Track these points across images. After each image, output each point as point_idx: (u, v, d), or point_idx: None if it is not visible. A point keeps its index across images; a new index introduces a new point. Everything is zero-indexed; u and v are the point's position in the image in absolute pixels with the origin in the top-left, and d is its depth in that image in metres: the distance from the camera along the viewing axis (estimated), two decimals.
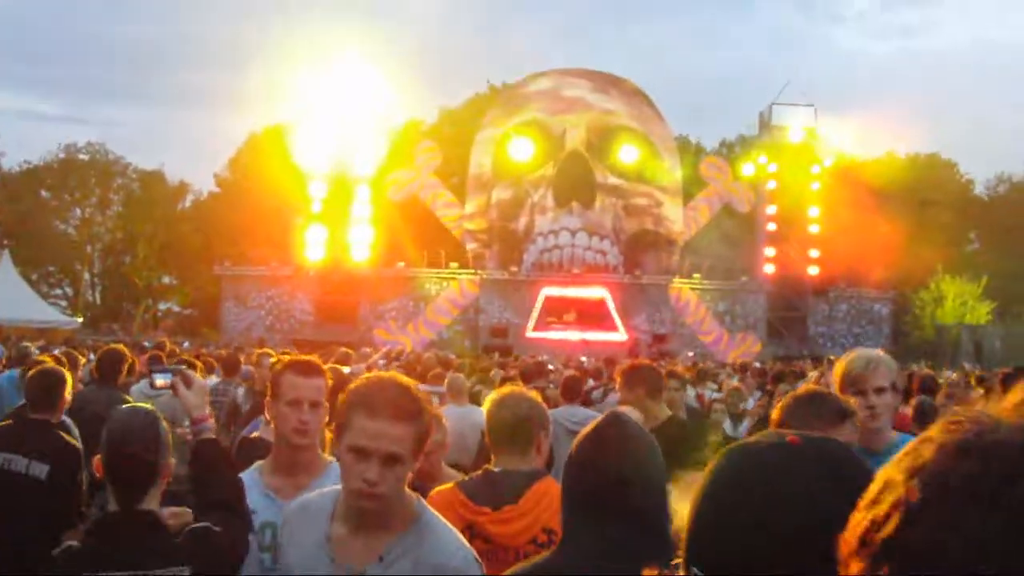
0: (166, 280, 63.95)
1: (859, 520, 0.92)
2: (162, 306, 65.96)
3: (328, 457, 3.93)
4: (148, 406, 3.66)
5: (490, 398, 4.19)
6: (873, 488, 0.93)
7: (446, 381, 10.73)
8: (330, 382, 4.03)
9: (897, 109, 70.61)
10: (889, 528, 0.86)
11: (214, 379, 11.93)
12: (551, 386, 12.06)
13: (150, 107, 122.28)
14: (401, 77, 48.59)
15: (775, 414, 3.42)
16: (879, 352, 4.33)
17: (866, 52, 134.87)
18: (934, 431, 0.92)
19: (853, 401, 3.90)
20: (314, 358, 4.30)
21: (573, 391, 9.71)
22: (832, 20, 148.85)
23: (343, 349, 16.99)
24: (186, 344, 28.82)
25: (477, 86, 67.99)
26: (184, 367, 4.22)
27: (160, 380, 3.99)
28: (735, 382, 15.85)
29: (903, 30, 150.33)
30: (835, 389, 4.18)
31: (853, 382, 4.15)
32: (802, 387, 3.51)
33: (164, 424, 3.48)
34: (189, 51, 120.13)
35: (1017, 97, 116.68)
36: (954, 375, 18.92)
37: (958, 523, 0.80)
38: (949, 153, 68.43)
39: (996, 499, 0.80)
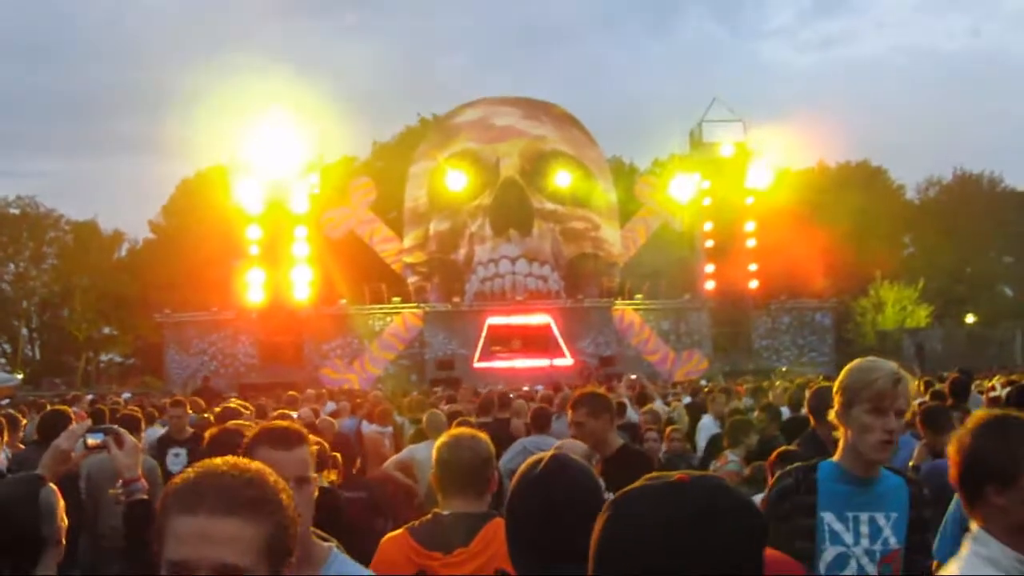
0: (106, 331, 63.26)
1: None
2: (103, 357, 65.26)
3: (327, 544, 3.27)
4: (35, 473, 3.61)
5: (442, 440, 4.14)
6: None
7: (424, 418, 10.70)
8: (313, 448, 3.30)
9: (825, 119, 71.39)
10: None
11: (159, 429, 11.78)
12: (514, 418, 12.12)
13: (79, 158, 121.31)
14: (332, 115, 48.49)
15: (959, 441, 2.82)
16: (897, 365, 3.68)
17: (790, 65, 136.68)
18: None
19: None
20: (292, 423, 3.56)
21: (543, 421, 9.84)
22: (755, 35, 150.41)
23: (290, 393, 16.86)
24: (126, 395, 28.39)
25: (408, 119, 68.10)
26: (117, 427, 4.15)
27: (92, 440, 3.94)
28: (686, 402, 15.99)
29: (825, 41, 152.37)
30: (835, 403, 3.69)
31: (876, 398, 3.52)
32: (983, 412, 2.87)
33: (49, 490, 3.40)
34: (115, 100, 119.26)
35: (939, 100, 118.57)
36: None
37: None
38: (879, 160, 69.39)
39: None
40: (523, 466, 2.82)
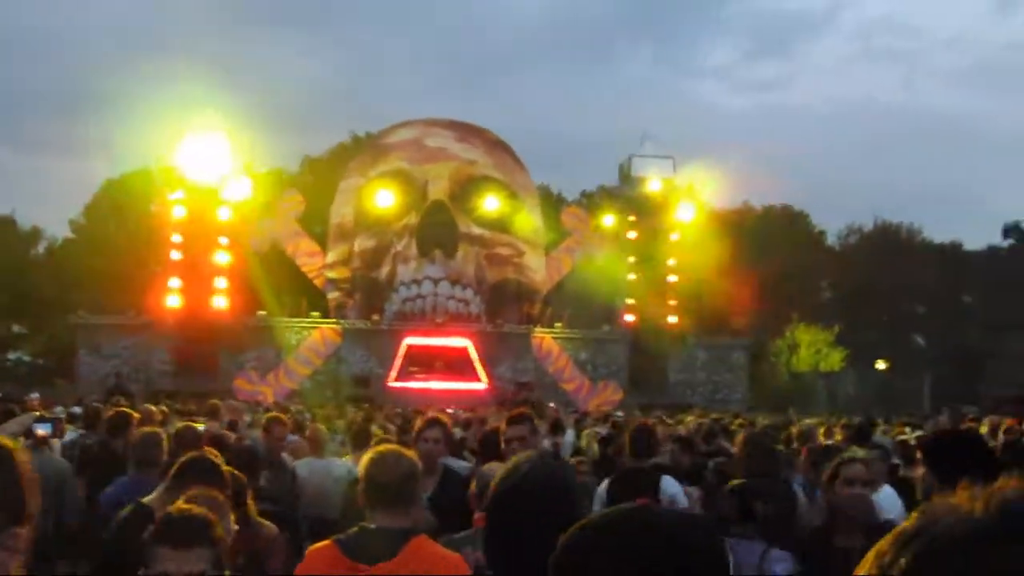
0: (16, 329, 62.07)
1: None
2: (11, 356, 63.97)
3: None
4: None
5: (369, 456, 4.18)
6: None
7: (307, 433, 10.67)
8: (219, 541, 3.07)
9: (753, 161, 72.43)
10: None
11: (72, 433, 11.54)
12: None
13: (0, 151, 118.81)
14: (265, 126, 48.32)
15: None
16: None
17: (724, 105, 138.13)
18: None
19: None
20: (215, 496, 3.34)
21: (493, 447, 8.08)
22: (692, 74, 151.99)
23: (212, 401, 16.65)
24: (35, 395, 27.91)
25: (341, 135, 67.93)
26: (63, 418, 4.15)
27: (41, 430, 3.94)
28: (599, 431, 15.98)
29: (759, 85, 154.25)
30: None
31: None
32: None
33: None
34: (41, 96, 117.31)
35: (866, 150, 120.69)
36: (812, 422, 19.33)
37: None
38: (802, 205, 70.40)
39: None
40: (507, 467, 2.86)
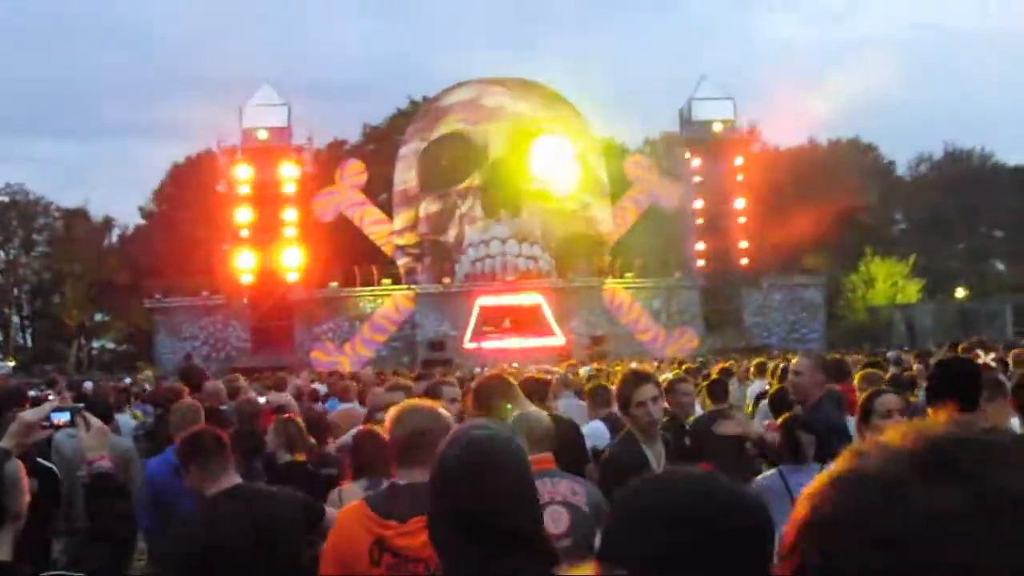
0: (98, 317, 63.13)
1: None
2: (96, 344, 65.09)
3: None
4: (1, 446, 3.58)
5: (391, 412, 4.14)
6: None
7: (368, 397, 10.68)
8: None
9: (817, 96, 71.33)
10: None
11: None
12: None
13: (67, 143, 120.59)
14: (323, 97, 48.59)
15: None
16: None
17: (784, 41, 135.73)
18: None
19: None
20: None
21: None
22: (750, 10, 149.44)
23: (280, 374, 16.97)
24: (127, 380, 28.39)
25: (399, 102, 67.98)
26: (82, 407, 4.12)
27: (57, 419, 3.93)
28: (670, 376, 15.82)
29: (822, 15, 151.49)
30: None
31: None
32: None
33: (15, 463, 3.34)
34: (104, 85, 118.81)
35: (933, 76, 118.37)
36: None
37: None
38: (869, 137, 69.28)
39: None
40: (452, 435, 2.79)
